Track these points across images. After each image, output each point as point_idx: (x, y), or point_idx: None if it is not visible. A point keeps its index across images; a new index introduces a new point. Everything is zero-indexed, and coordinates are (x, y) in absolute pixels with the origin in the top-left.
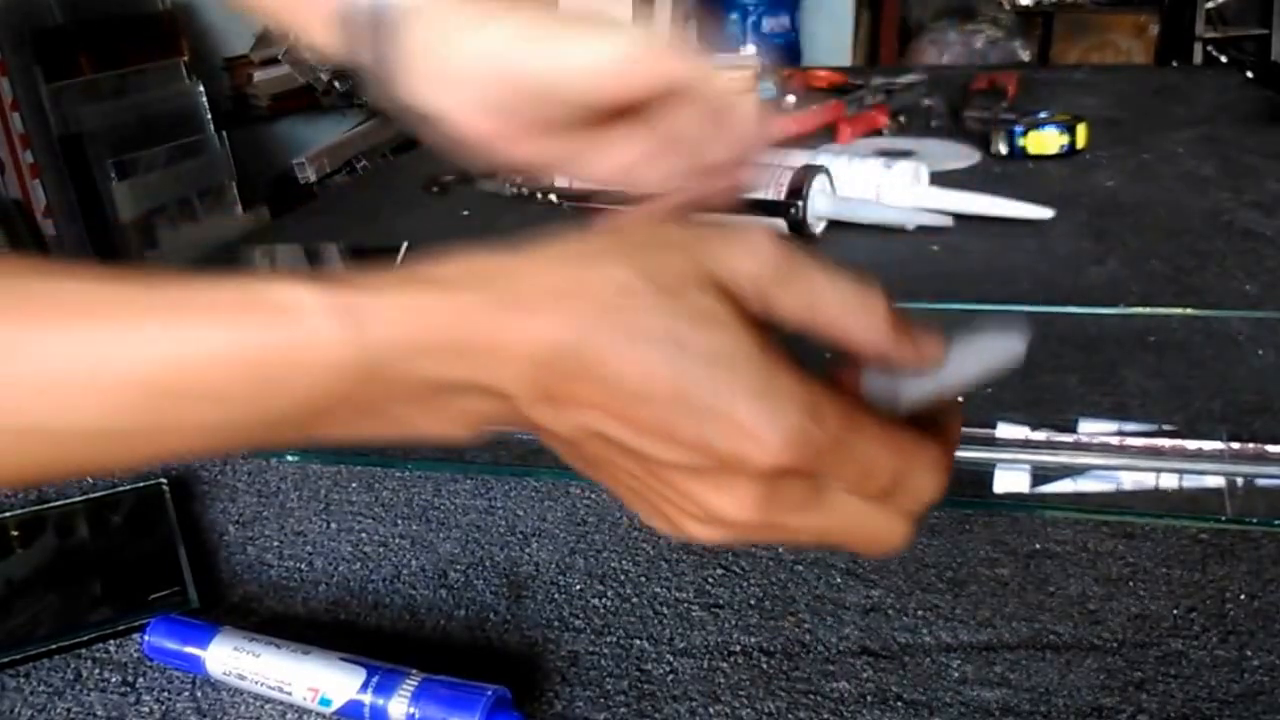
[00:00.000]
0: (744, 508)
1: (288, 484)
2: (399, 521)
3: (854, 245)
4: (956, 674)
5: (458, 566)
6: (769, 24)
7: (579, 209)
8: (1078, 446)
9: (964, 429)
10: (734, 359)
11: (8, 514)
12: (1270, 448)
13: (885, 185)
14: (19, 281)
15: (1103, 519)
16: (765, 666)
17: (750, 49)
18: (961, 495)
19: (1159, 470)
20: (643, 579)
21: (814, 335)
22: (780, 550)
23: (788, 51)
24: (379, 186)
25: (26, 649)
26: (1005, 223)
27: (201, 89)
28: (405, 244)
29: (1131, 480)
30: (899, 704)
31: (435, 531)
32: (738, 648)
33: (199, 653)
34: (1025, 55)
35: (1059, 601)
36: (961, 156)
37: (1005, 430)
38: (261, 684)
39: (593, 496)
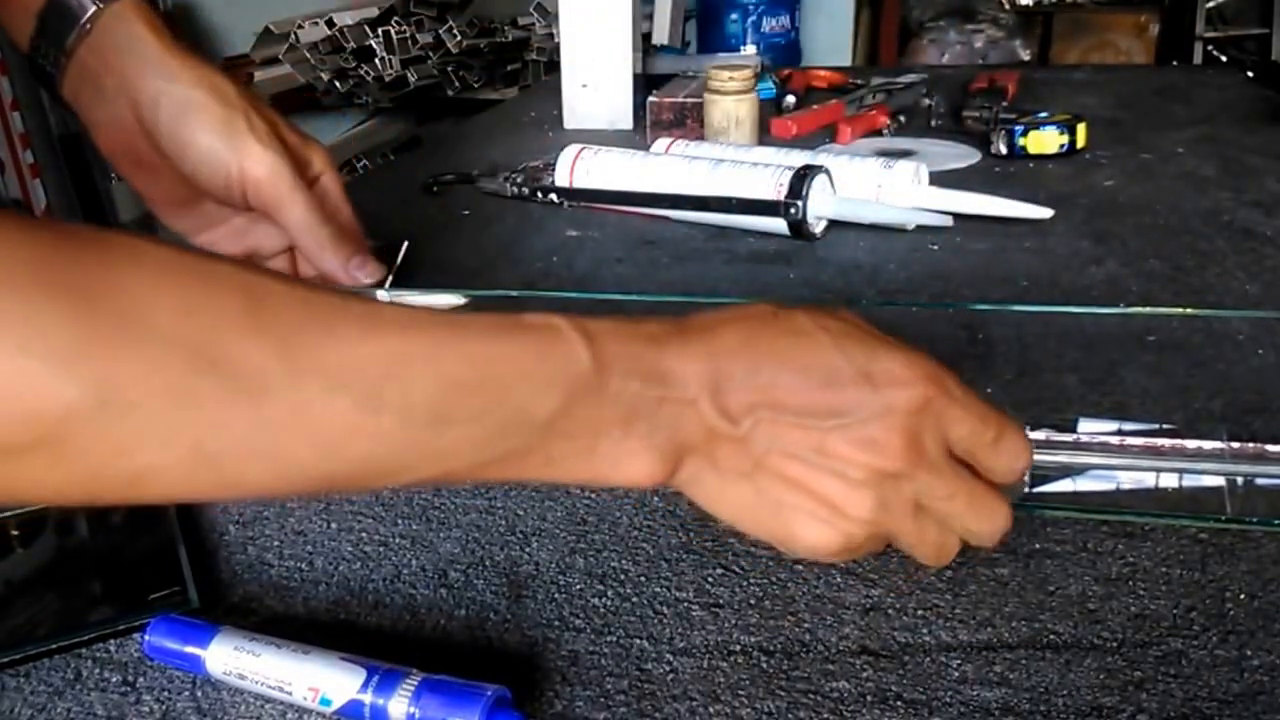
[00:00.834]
0: (875, 476)
1: None
2: (399, 521)
3: (854, 245)
4: (956, 673)
5: (458, 566)
6: (769, 24)
7: (580, 209)
8: (1077, 446)
9: None
10: (873, 334)
11: (8, 514)
12: (1270, 447)
13: (885, 185)
14: (309, 294)
15: (1102, 519)
16: (765, 666)
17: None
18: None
19: (1159, 470)
20: (643, 579)
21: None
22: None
23: (788, 51)
24: (379, 186)
25: (26, 649)
26: (1005, 222)
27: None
28: (405, 244)
29: (1131, 480)
30: (899, 703)
31: (435, 531)
32: (738, 647)
33: (199, 652)
34: (1025, 55)
35: (1059, 601)
36: (961, 156)
37: None
38: (262, 684)
39: (593, 497)
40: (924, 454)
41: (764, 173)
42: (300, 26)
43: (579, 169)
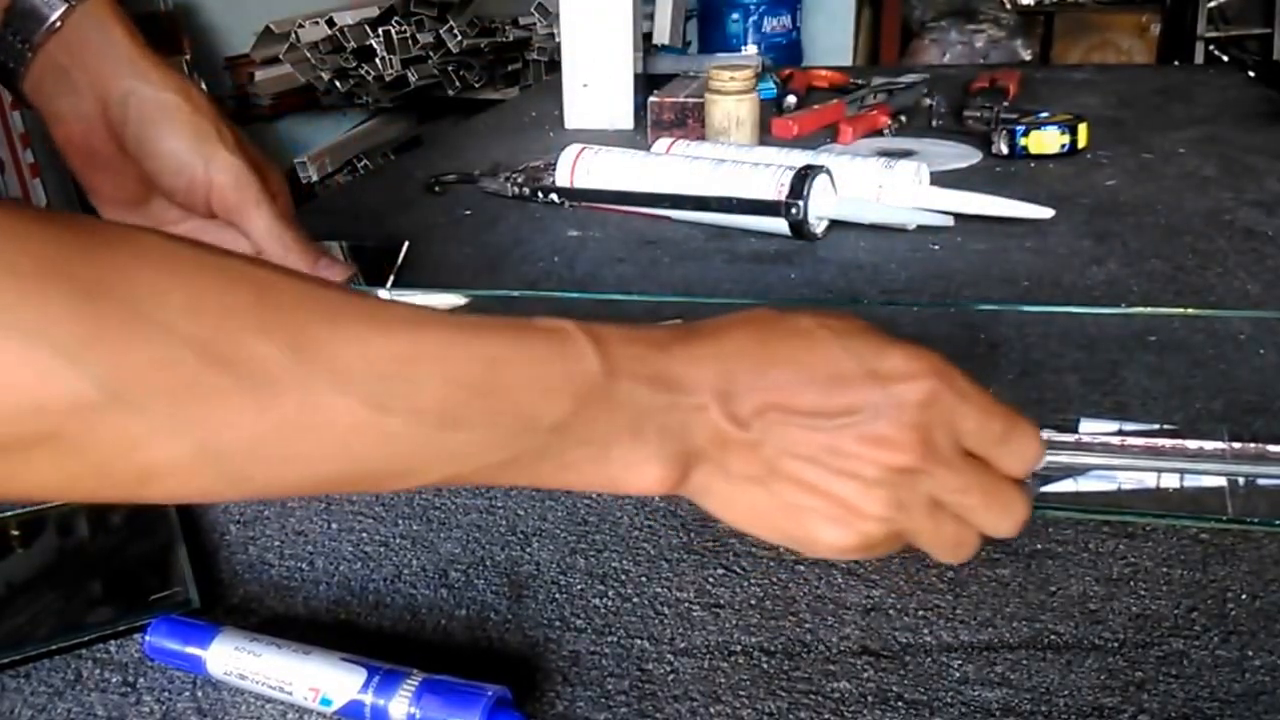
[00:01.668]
0: (888, 473)
1: None
2: (400, 521)
3: (855, 245)
4: (957, 674)
5: (458, 566)
6: (770, 24)
7: (580, 209)
8: (1078, 446)
9: None
10: (877, 332)
11: (8, 514)
12: (1272, 447)
13: (886, 185)
14: (318, 290)
15: (1104, 519)
16: (766, 666)
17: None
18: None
19: (1160, 470)
20: (644, 579)
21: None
22: (781, 550)
23: (789, 51)
24: (380, 186)
25: (26, 649)
26: (1006, 222)
27: (203, 88)
28: (406, 243)
29: (1132, 480)
30: (900, 704)
31: (436, 531)
32: (739, 648)
33: (200, 653)
34: (1026, 55)
35: (1060, 601)
36: (962, 156)
37: None
38: (262, 684)
39: (593, 497)
40: (936, 448)
41: (765, 173)
42: (301, 26)
43: (580, 169)
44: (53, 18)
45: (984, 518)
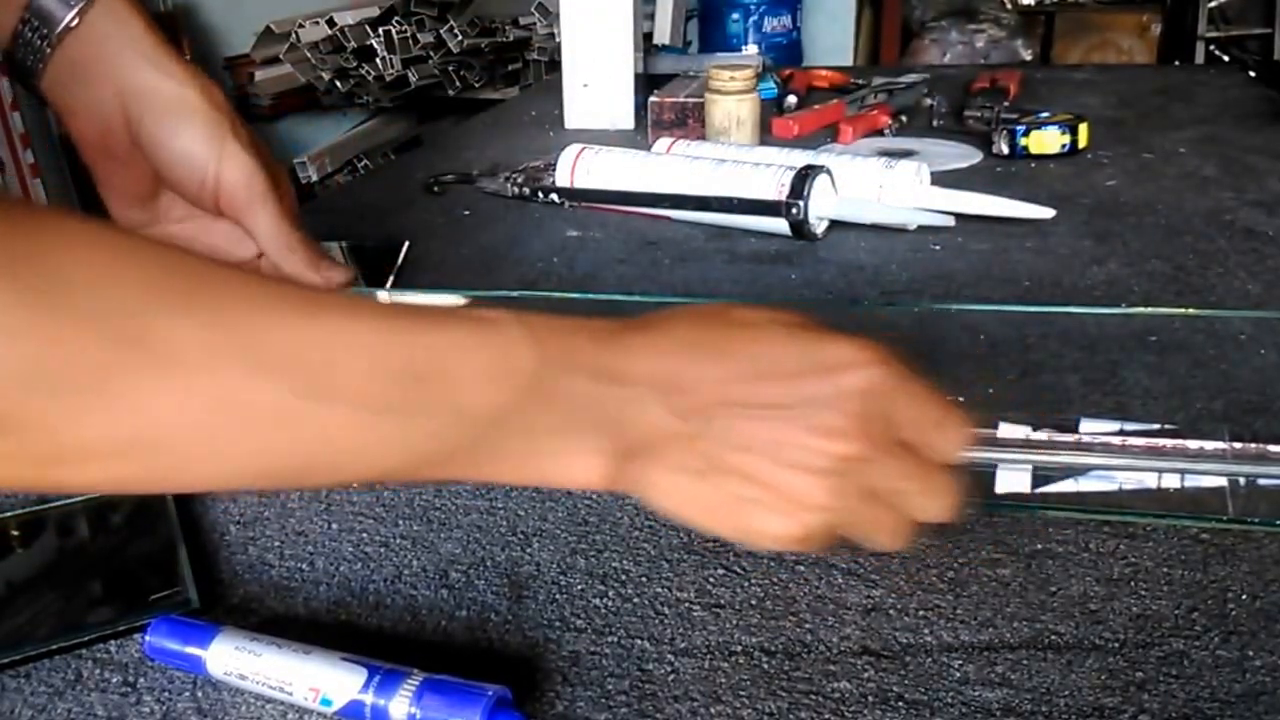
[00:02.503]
0: (835, 462)
1: None
2: (400, 522)
3: (855, 245)
4: (958, 674)
5: (459, 567)
6: (770, 24)
7: (580, 209)
8: (1079, 447)
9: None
10: (820, 326)
11: (8, 514)
12: (1272, 447)
13: (887, 185)
14: (252, 278)
15: (1104, 519)
16: (766, 666)
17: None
18: (963, 496)
19: (1160, 470)
20: (644, 579)
21: None
22: (781, 550)
23: (789, 51)
24: (380, 186)
25: (26, 649)
26: (1007, 222)
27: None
28: (406, 243)
29: (1133, 480)
30: (900, 704)
31: (436, 532)
32: (739, 648)
33: (200, 653)
34: (1027, 55)
35: (1060, 602)
36: (963, 156)
37: (1006, 430)
38: (263, 684)
39: (594, 496)
40: (879, 436)
41: (765, 173)
42: (301, 26)
43: (580, 169)
44: (68, 18)
45: (921, 503)
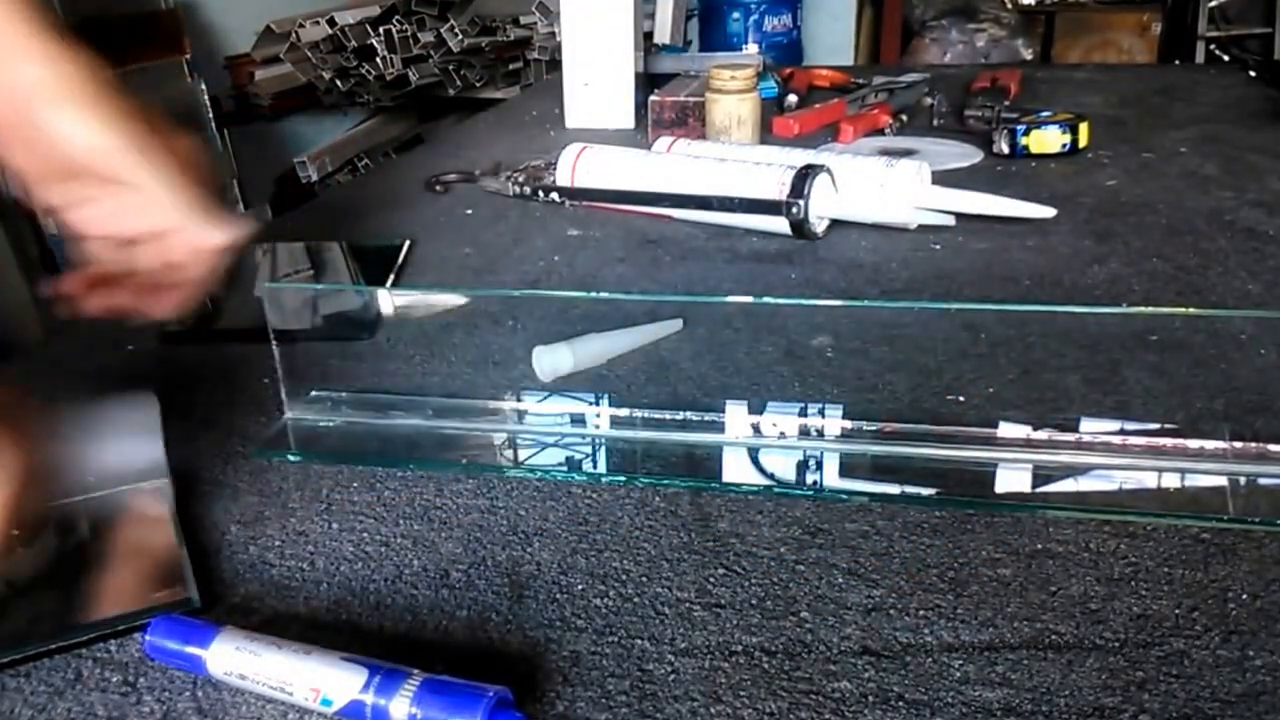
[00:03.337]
0: None
1: (289, 484)
2: (401, 521)
3: (856, 244)
4: (958, 674)
5: (459, 566)
6: (771, 23)
7: (581, 208)
8: (1080, 446)
9: (965, 429)
10: None
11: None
12: (1273, 447)
13: (887, 184)
14: None
15: (1105, 519)
16: (767, 666)
17: (752, 48)
18: (963, 495)
19: (1161, 470)
20: (644, 579)
21: None
22: (782, 550)
23: (790, 50)
24: (381, 185)
25: (27, 649)
26: (1007, 222)
27: (203, 87)
28: (407, 242)
29: (1133, 480)
30: (900, 704)
31: (437, 531)
32: (739, 648)
33: (200, 653)
34: (1027, 54)
35: (1061, 601)
36: (963, 155)
37: (1007, 430)
38: (263, 684)
39: (594, 496)
40: None
41: (766, 172)
42: (301, 25)
43: (580, 168)
44: None
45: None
